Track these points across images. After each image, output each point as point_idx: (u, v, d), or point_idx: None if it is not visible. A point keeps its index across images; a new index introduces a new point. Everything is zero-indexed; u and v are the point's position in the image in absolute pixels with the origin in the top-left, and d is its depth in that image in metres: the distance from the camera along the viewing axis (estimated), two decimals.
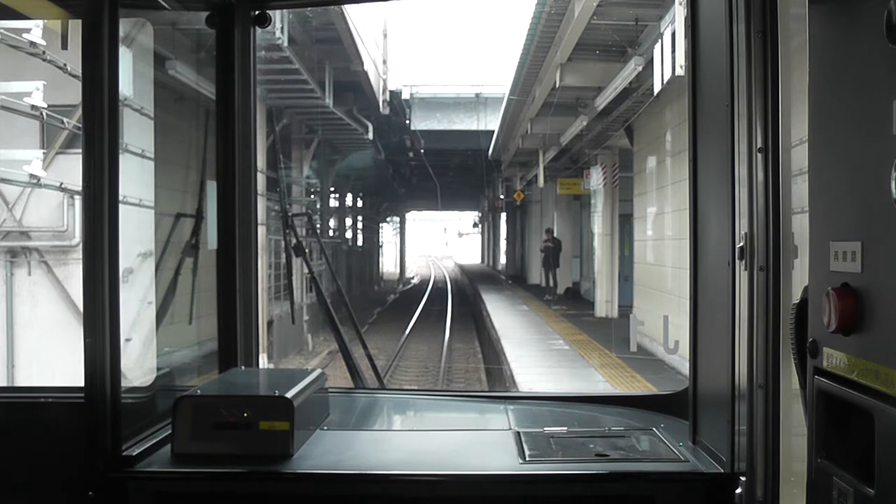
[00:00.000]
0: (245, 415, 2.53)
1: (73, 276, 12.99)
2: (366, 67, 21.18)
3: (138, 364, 3.27)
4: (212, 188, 3.33)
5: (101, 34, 2.43)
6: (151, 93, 3.60)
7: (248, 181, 3.35)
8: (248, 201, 3.34)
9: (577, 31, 14.12)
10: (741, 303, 2.25)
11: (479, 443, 2.86)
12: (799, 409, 1.97)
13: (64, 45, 9.15)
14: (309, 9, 15.51)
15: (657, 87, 12.47)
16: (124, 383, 2.56)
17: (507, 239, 53.35)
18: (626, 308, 20.76)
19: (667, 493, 2.43)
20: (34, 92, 11.14)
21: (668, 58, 11.21)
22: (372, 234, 50.44)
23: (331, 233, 31.48)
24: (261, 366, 4.21)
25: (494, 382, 16.50)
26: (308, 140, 23.76)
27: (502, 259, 54.15)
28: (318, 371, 3.06)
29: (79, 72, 2.47)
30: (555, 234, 29.67)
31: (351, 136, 25.96)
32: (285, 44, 15.31)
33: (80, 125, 2.93)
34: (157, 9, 3.34)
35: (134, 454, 2.49)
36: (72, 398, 2.64)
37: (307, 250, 4.09)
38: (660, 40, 11.72)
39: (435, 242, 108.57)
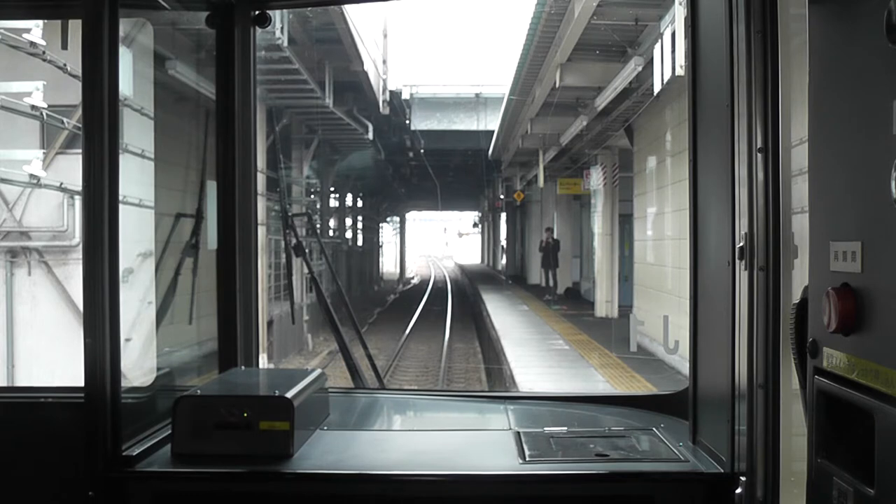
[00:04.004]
0: (245, 415, 2.53)
1: (73, 276, 12.98)
2: (366, 67, 21.18)
3: (138, 364, 3.27)
4: (212, 188, 3.33)
5: (101, 34, 2.43)
6: (151, 93, 3.60)
7: (248, 181, 3.35)
8: (248, 201, 3.34)
9: (577, 31, 14.12)
10: (741, 303, 2.25)
11: (479, 443, 2.86)
12: (799, 409, 1.97)
13: (64, 45, 9.13)
14: (309, 9, 15.50)
15: (657, 87, 12.46)
16: (124, 383, 2.56)
17: (507, 239, 53.34)
18: (626, 308, 20.76)
19: (667, 493, 2.43)
20: (34, 92, 11.13)
21: (668, 58, 11.21)
22: (372, 234, 50.43)
23: (331, 233, 31.47)
24: (261, 366, 4.21)
25: (494, 382, 16.50)
26: (308, 140, 23.76)
27: (502, 259, 54.17)
28: (318, 371, 3.06)
29: (79, 72, 2.47)
30: (555, 234, 29.67)
31: (351, 136, 25.96)
32: (285, 44, 15.30)
33: (80, 125, 2.93)
34: (157, 9, 3.34)
35: (134, 454, 2.49)
36: (72, 398, 2.64)
37: (307, 250, 4.09)
38: (660, 40, 11.72)
39: (435, 242, 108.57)
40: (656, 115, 16.76)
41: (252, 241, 3.38)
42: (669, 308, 14.74)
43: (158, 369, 3.30)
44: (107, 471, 2.43)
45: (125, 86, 2.77)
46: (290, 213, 4.13)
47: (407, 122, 32.73)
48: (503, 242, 54.73)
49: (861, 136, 1.64)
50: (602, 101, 16.86)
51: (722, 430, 2.35)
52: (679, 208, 14.83)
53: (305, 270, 5.03)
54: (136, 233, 3.24)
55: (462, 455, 2.69)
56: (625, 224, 22.51)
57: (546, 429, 2.86)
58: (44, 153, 12.75)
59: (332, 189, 30.82)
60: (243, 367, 3.26)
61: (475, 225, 75.73)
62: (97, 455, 2.43)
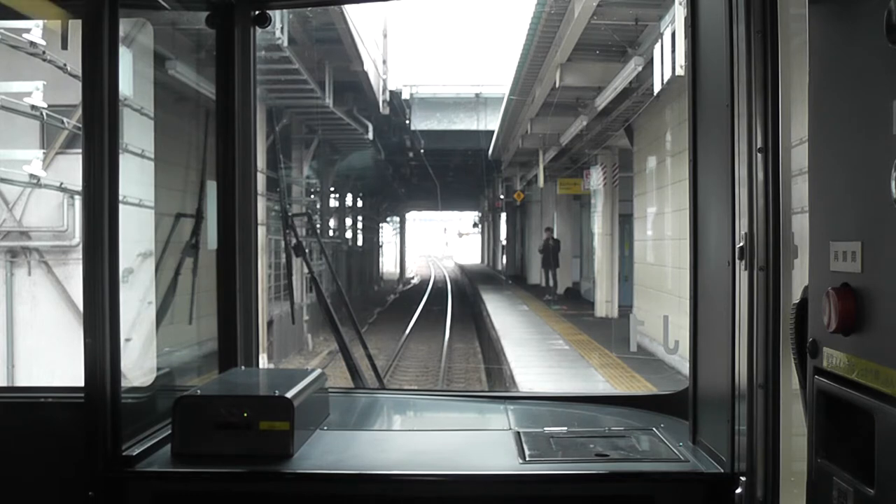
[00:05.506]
0: (245, 415, 2.53)
1: (73, 276, 12.97)
2: (366, 67, 21.17)
3: (138, 364, 3.27)
4: (212, 188, 3.33)
5: (101, 34, 2.43)
6: (151, 93, 3.60)
7: (248, 181, 3.35)
8: (248, 201, 3.34)
9: (577, 31, 14.12)
10: (741, 303, 2.25)
11: (479, 443, 2.86)
12: (799, 409, 1.97)
13: (64, 45, 9.14)
14: (309, 9, 15.50)
15: (657, 87, 12.46)
16: (124, 383, 2.57)
17: (507, 239, 53.35)
18: (626, 308, 20.76)
19: (667, 493, 2.43)
20: (34, 92, 11.13)
21: (668, 58, 11.21)
22: (372, 234, 50.42)
23: (331, 233, 31.47)
24: (261, 366, 4.21)
25: (494, 382, 16.50)
26: (308, 140, 23.76)
27: (502, 259, 54.21)
28: (318, 371, 3.06)
29: (79, 72, 2.47)
30: (555, 234, 29.67)
31: (351, 136, 25.96)
32: (285, 44, 15.30)
33: (80, 125, 2.93)
34: (157, 9, 3.34)
35: (134, 454, 2.50)
36: (72, 398, 2.64)
37: (307, 250, 4.09)
38: (660, 40, 11.72)
39: (435, 242, 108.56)
40: (656, 115, 16.76)
41: (252, 241, 3.38)
42: (669, 308, 14.74)
43: (158, 369, 3.30)
44: (107, 471, 2.43)
45: (125, 86, 2.77)
46: (290, 213, 4.13)
47: (407, 122, 32.72)
48: (503, 242, 54.74)
49: (861, 136, 1.64)
50: (602, 101, 16.85)
51: (722, 430, 2.35)
52: (679, 208, 14.83)
53: (305, 270, 5.03)
54: (136, 233, 3.24)
55: (462, 455, 2.69)
56: (625, 224, 22.51)
57: (546, 429, 2.86)
58: (44, 153, 12.75)
59: (332, 189, 30.81)
60: (243, 367, 3.26)
61: (475, 225, 75.70)
62: (97, 455, 2.43)
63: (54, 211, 13.10)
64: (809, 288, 1.85)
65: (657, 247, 17.68)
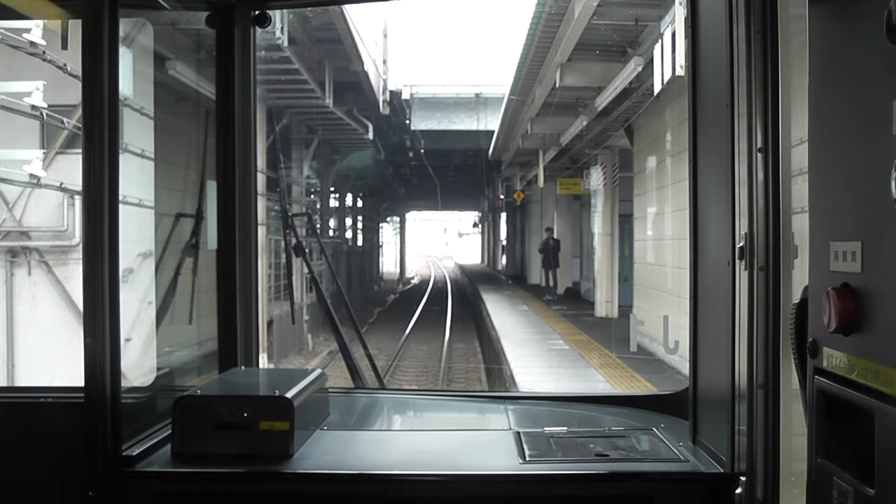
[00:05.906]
0: (245, 415, 2.53)
1: (73, 276, 12.97)
2: (366, 67, 21.18)
3: (138, 364, 3.27)
4: (212, 188, 3.33)
5: (101, 34, 2.43)
6: (151, 93, 3.61)
7: (248, 181, 3.35)
8: (248, 201, 3.35)
9: (577, 31, 14.12)
10: (741, 303, 2.25)
11: (479, 443, 2.86)
12: (799, 409, 1.97)
13: (64, 45, 9.14)
14: (309, 9, 15.50)
15: (657, 87, 12.46)
16: (124, 383, 2.57)
17: (507, 239, 53.36)
18: (626, 308, 20.76)
19: (667, 493, 2.43)
20: (34, 92, 11.13)
21: (668, 58, 11.21)
22: (372, 234, 50.42)
23: (331, 233, 31.47)
24: (261, 366, 4.21)
25: (494, 382, 16.50)
26: (308, 140, 23.76)
27: (502, 259, 54.21)
28: (318, 371, 3.06)
29: (79, 72, 2.47)
30: (555, 234, 29.67)
31: (351, 136, 25.96)
32: (285, 44, 15.30)
33: (80, 125, 2.93)
34: (157, 9, 3.34)
35: (134, 454, 2.50)
36: (72, 398, 2.64)
37: (307, 250, 4.09)
38: (660, 40, 11.72)
39: (435, 242, 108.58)
40: (656, 115, 16.76)
41: (252, 241, 3.38)
42: (669, 308, 14.74)
43: (158, 369, 3.30)
44: (107, 471, 2.43)
45: (125, 86, 2.77)
46: (290, 213, 4.13)
47: (407, 122, 32.72)
48: (503, 242, 54.74)
49: (861, 136, 1.64)
50: (602, 101, 16.86)
51: (722, 430, 2.35)
52: (679, 208, 14.83)
53: (305, 270, 5.03)
54: (136, 233, 3.24)
55: (462, 455, 2.69)
56: (625, 224, 22.52)
57: (546, 429, 2.86)
58: (44, 153, 12.75)
59: (332, 189, 30.81)
60: (243, 367, 3.26)
61: (475, 225, 75.69)
62: (97, 455, 2.43)
63: (54, 211, 13.10)
64: (809, 288, 1.85)
65: (657, 247, 17.68)
